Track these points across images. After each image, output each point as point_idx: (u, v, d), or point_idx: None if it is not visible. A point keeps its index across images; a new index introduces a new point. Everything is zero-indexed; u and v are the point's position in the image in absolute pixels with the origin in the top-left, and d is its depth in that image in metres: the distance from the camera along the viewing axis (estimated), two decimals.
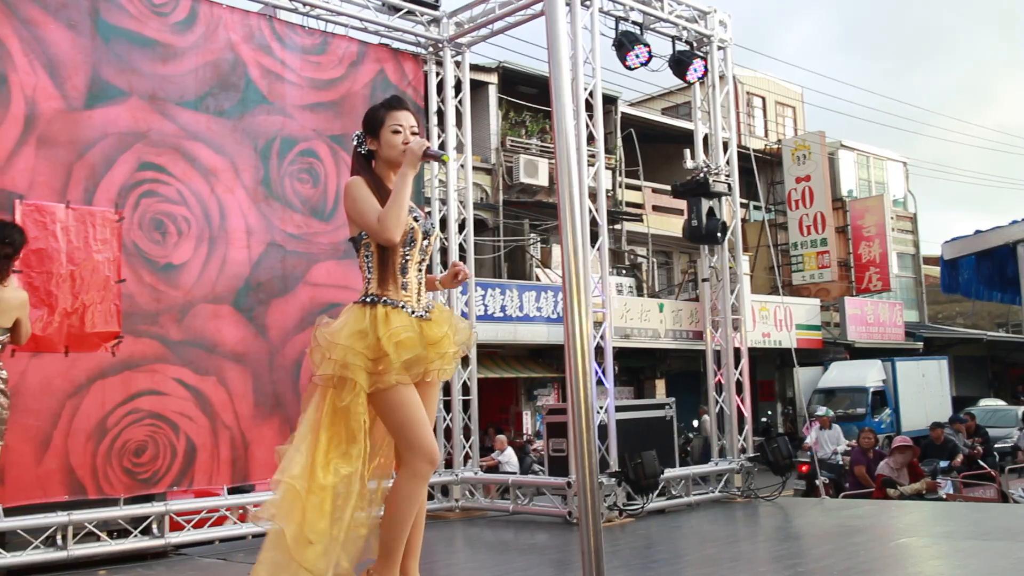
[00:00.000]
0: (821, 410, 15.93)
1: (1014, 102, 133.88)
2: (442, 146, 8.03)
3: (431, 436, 3.51)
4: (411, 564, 3.64)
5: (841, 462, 12.56)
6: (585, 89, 7.03)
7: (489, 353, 17.07)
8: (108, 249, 5.79)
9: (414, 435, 3.46)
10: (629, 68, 7.73)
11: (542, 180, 19.25)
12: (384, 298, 3.53)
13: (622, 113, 21.79)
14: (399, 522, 3.46)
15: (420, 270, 3.67)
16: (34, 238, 5.34)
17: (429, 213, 3.92)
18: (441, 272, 7.62)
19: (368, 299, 3.55)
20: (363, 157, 3.70)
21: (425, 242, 3.69)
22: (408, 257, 3.60)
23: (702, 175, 8.13)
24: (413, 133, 3.65)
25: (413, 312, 3.56)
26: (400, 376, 3.44)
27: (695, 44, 8.22)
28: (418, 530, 3.62)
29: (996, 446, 14.97)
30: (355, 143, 3.73)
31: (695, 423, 18.89)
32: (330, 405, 3.50)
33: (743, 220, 9.44)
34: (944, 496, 9.47)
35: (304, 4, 7.02)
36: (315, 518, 3.34)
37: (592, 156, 7.22)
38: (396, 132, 3.63)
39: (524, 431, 18.72)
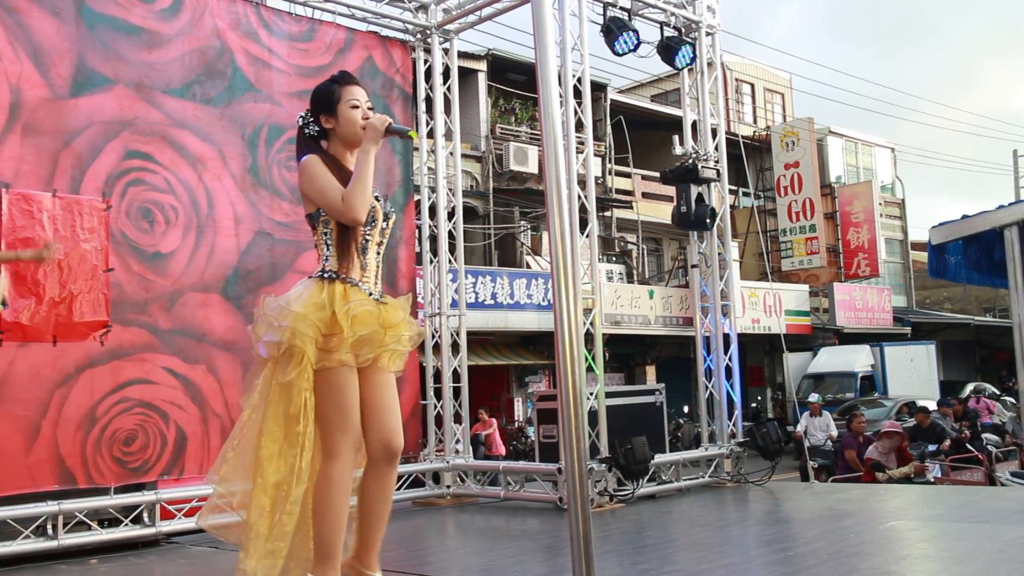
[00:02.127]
0: (813, 397, 15.99)
1: (997, 87, 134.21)
2: (431, 134, 8.01)
3: (360, 425, 3.43)
4: (370, 557, 3.51)
5: (832, 447, 12.63)
6: (573, 76, 7.01)
7: (480, 340, 17.08)
8: (95, 238, 5.76)
9: (350, 421, 3.37)
10: (617, 54, 7.72)
11: (532, 167, 19.20)
12: (344, 276, 3.43)
13: (611, 100, 21.76)
14: (330, 514, 3.31)
15: (379, 253, 3.57)
16: (21, 227, 5.31)
17: (387, 196, 3.82)
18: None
19: (326, 275, 3.43)
20: (311, 138, 3.54)
21: (384, 224, 3.59)
22: (369, 237, 3.50)
23: (691, 161, 8.12)
24: (369, 108, 3.55)
25: (371, 294, 3.48)
26: (349, 355, 3.33)
27: (683, 30, 8.20)
28: (377, 522, 3.49)
29: None
30: (301, 123, 3.56)
31: (685, 408, 18.95)
32: (274, 382, 3.38)
33: (732, 206, 9.45)
34: (932, 480, 9.55)
35: None
36: (257, 520, 3.29)
37: (581, 143, 7.21)
38: (354, 107, 3.50)
39: (516, 418, 18.78)
